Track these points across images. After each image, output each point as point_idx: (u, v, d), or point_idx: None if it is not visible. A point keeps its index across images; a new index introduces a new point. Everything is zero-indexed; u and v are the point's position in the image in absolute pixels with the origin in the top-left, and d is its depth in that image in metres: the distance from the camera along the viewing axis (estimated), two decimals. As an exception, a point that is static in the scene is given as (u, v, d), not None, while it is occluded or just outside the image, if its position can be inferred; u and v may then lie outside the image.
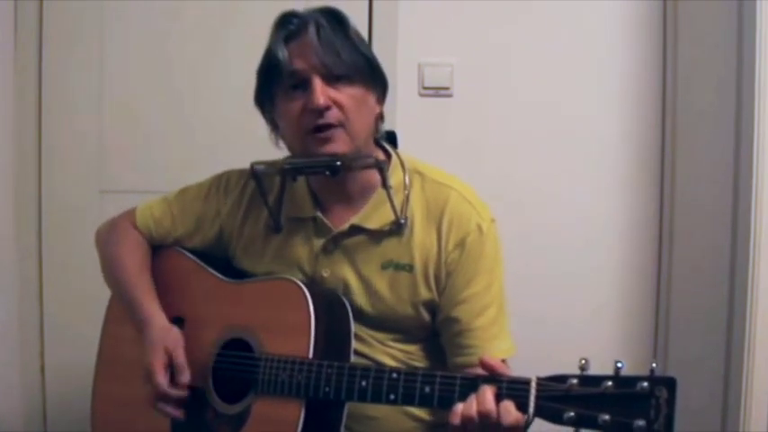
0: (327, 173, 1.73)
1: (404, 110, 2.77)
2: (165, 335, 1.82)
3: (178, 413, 1.77)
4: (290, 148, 1.86)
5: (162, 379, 1.76)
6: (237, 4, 2.80)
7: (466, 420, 1.45)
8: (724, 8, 2.66)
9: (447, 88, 2.83)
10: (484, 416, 1.43)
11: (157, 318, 1.86)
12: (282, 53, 1.74)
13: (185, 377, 1.77)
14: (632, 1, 2.79)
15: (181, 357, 1.78)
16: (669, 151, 2.79)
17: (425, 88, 2.83)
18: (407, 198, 1.81)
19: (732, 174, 2.65)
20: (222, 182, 1.99)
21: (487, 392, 1.45)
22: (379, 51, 2.70)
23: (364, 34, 2.71)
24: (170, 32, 2.83)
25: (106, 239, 2.06)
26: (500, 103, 2.84)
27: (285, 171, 1.77)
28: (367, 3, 2.80)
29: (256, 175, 1.82)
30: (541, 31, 2.82)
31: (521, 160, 2.84)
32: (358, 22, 2.65)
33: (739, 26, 2.62)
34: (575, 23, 2.81)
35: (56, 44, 2.84)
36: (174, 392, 1.76)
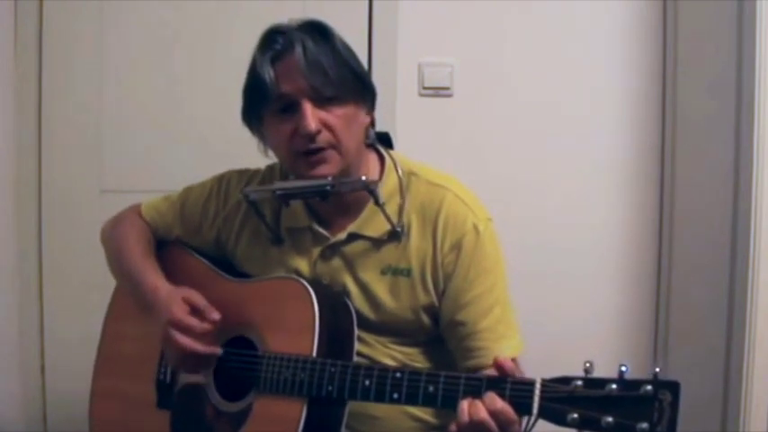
0: (318, 198, 1.74)
1: (404, 110, 2.78)
2: (177, 290, 1.81)
3: (217, 349, 1.76)
4: (279, 159, 1.88)
5: (194, 320, 1.74)
6: (238, 4, 2.80)
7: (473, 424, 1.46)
8: (724, 8, 2.66)
9: (447, 88, 2.83)
10: (494, 416, 1.44)
11: (165, 285, 1.85)
12: (269, 75, 1.71)
13: (215, 315, 1.76)
14: (632, 1, 2.80)
15: (202, 299, 1.77)
16: (669, 151, 2.79)
17: (425, 88, 2.83)
18: (403, 204, 1.81)
19: (732, 173, 2.65)
20: (223, 184, 1.98)
21: (496, 399, 1.46)
22: (379, 51, 2.76)
23: (364, 34, 2.75)
24: (170, 32, 2.84)
25: (111, 230, 2.07)
26: (500, 103, 2.84)
27: (278, 197, 1.77)
28: (367, 3, 2.80)
29: (251, 202, 1.83)
30: (541, 31, 2.83)
31: (521, 160, 2.84)
32: (358, 22, 2.73)
33: (739, 26, 2.63)
34: (574, 23, 2.82)
35: (56, 44, 2.84)
36: (209, 327, 1.75)
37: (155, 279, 1.88)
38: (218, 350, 1.77)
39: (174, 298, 1.78)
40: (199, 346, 1.74)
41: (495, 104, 2.84)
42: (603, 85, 2.83)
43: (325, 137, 1.72)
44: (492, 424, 1.44)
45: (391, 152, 1.91)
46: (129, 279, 1.94)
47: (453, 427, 1.48)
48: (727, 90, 2.67)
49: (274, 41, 1.74)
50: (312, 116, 1.70)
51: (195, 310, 1.76)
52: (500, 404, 1.44)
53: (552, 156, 2.84)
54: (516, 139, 2.84)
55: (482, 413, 1.44)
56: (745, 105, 2.56)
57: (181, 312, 1.75)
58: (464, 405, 1.47)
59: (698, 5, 2.72)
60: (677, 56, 2.76)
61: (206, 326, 1.74)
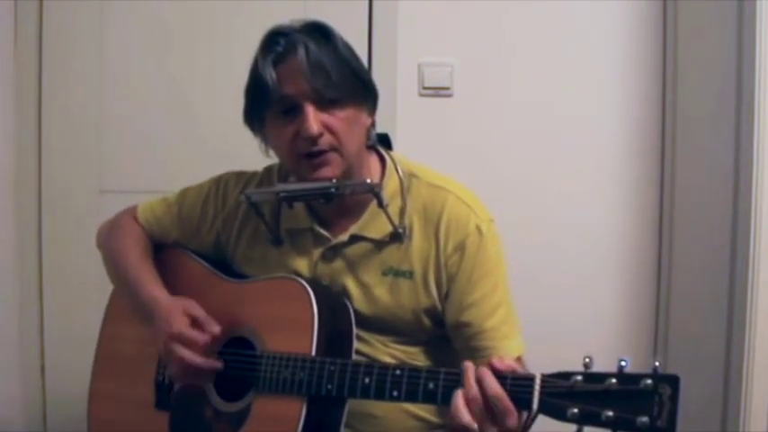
0: (322, 200, 1.74)
1: (404, 110, 2.79)
2: (177, 302, 1.80)
3: (220, 364, 1.75)
4: (280, 160, 1.87)
5: (195, 333, 1.73)
6: (239, 4, 2.81)
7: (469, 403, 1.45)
8: (724, 8, 2.66)
9: (447, 88, 2.83)
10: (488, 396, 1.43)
11: (164, 295, 1.84)
12: (271, 77, 1.70)
13: (216, 327, 1.74)
14: (632, 1, 2.80)
15: (203, 312, 1.76)
16: (669, 151, 2.80)
17: (425, 88, 2.83)
18: (404, 206, 1.81)
19: (732, 173, 2.65)
20: (221, 186, 1.98)
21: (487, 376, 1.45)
22: (379, 51, 2.76)
23: (364, 34, 2.75)
24: (170, 32, 2.85)
25: (108, 234, 2.06)
26: (500, 103, 2.85)
27: (281, 199, 1.77)
28: (367, 3, 2.80)
29: (252, 204, 1.82)
30: (541, 31, 2.84)
31: (520, 160, 2.84)
32: (358, 22, 2.74)
33: (739, 26, 2.62)
34: (575, 23, 2.83)
35: (56, 44, 2.84)
36: (211, 340, 1.73)
37: (153, 289, 1.87)
38: (219, 364, 1.75)
39: (174, 310, 1.78)
40: (200, 360, 1.73)
41: (495, 104, 2.85)
42: (603, 85, 2.83)
43: (327, 139, 1.71)
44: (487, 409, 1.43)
45: (391, 153, 1.91)
46: (128, 288, 1.94)
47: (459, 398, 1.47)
48: (728, 90, 2.67)
49: (276, 43, 1.73)
50: (314, 119, 1.69)
51: (195, 322, 1.76)
52: (499, 390, 1.43)
53: (552, 156, 2.84)
54: (516, 139, 2.84)
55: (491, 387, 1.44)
56: (745, 105, 2.56)
57: (182, 325, 1.74)
58: (469, 373, 1.46)
59: (698, 5, 2.73)
60: (677, 56, 2.77)
61: (206, 338, 1.73)
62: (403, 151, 1.94)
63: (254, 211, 1.85)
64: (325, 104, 1.71)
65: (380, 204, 1.75)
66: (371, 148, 1.89)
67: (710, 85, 2.72)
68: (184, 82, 2.85)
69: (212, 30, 2.83)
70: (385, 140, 1.96)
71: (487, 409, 1.43)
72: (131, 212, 2.05)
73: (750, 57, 2.52)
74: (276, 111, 1.74)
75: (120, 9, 2.83)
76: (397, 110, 2.77)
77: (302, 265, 1.85)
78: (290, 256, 1.86)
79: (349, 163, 1.76)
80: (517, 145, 2.84)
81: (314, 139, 1.70)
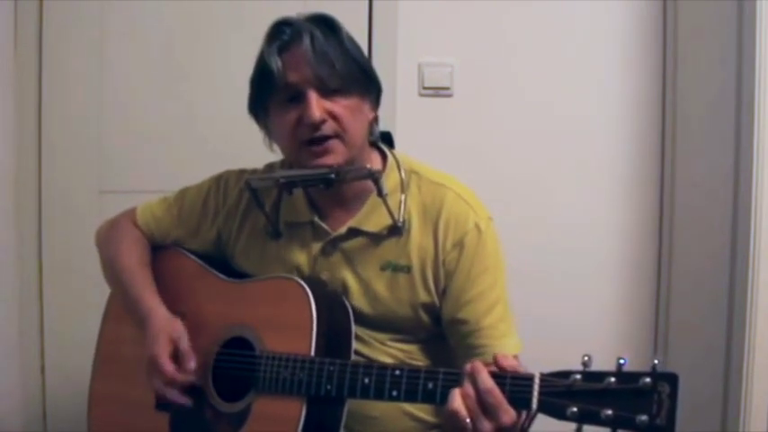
0: (322, 186, 1.73)
1: (404, 110, 2.78)
2: (167, 325, 1.81)
3: (186, 400, 1.76)
4: (284, 153, 1.87)
5: (169, 366, 1.74)
6: (238, 4, 2.80)
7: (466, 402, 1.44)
8: (724, 8, 2.67)
9: (447, 88, 2.83)
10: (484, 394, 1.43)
11: (159, 310, 1.85)
12: (276, 65, 1.72)
13: (192, 364, 1.75)
14: (632, 1, 2.80)
15: (186, 345, 1.77)
16: (669, 151, 2.80)
17: (425, 88, 2.83)
18: (404, 200, 1.81)
19: (732, 173, 2.66)
20: (221, 184, 1.98)
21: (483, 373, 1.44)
22: (379, 51, 2.76)
23: (364, 34, 2.75)
24: (170, 32, 2.84)
25: (106, 237, 2.06)
26: (500, 103, 2.84)
27: (281, 185, 1.77)
28: (367, 3, 2.80)
29: (252, 190, 1.83)
30: (541, 31, 2.83)
31: (520, 160, 2.84)
32: (358, 22, 2.74)
33: (739, 26, 2.63)
34: (575, 23, 2.83)
35: (56, 44, 2.83)
36: (182, 378, 1.74)
37: (149, 298, 1.89)
38: (186, 401, 1.76)
39: (162, 332, 1.79)
40: (168, 392, 1.75)
41: (495, 104, 2.84)
42: (603, 85, 2.83)
43: (330, 126, 1.72)
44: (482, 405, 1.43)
45: (393, 151, 1.91)
46: (125, 293, 1.95)
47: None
48: (727, 90, 2.67)
49: (282, 32, 1.75)
50: (317, 105, 1.70)
51: (176, 353, 1.77)
52: (491, 383, 1.43)
53: (552, 156, 2.84)
54: (516, 139, 2.84)
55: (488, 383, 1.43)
56: (745, 105, 2.56)
57: (162, 354, 1.76)
58: (467, 369, 1.46)
59: (698, 5, 2.73)
60: (677, 56, 2.77)
61: (179, 376, 1.75)
62: (403, 151, 1.94)
63: (254, 198, 1.85)
64: (328, 92, 1.72)
65: (380, 193, 1.74)
66: (373, 144, 1.90)
67: (710, 85, 2.72)
68: (184, 82, 2.84)
69: (212, 30, 2.83)
70: (387, 138, 1.97)
71: (480, 404, 1.43)
72: (130, 216, 2.05)
73: (750, 57, 2.52)
74: (280, 99, 1.75)
75: (120, 9, 2.82)
76: (397, 110, 2.76)
77: (302, 259, 1.85)
78: (290, 250, 1.87)
79: (352, 154, 1.76)
80: (517, 145, 2.84)
81: (316, 126, 1.71)
